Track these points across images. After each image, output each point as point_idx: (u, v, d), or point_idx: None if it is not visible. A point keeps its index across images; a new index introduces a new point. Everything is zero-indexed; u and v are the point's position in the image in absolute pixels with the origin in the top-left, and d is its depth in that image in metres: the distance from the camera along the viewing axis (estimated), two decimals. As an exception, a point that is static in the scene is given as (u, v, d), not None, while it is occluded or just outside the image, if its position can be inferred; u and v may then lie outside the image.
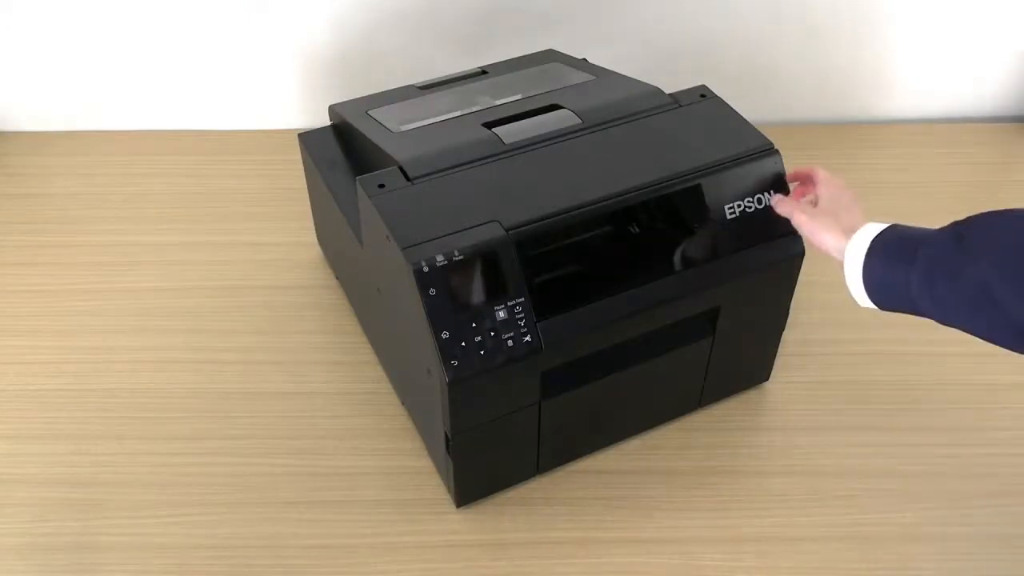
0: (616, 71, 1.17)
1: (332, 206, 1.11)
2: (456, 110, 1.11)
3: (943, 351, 1.19)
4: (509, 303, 0.90)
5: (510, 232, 0.90)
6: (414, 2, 1.42)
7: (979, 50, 1.51)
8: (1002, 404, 1.14)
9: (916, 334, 1.21)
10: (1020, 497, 1.04)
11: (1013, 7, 1.46)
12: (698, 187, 0.96)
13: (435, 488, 1.05)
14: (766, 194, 0.99)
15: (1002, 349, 0.73)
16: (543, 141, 1.01)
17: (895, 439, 1.10)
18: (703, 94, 1.06)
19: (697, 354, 1.05)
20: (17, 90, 1.50)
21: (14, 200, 1.42)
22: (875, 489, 1.05)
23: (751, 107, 1.11)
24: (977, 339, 0.79)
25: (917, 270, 0.79)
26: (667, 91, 1.08)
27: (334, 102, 1.19)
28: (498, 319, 0.89)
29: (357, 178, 0.97)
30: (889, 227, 0.85)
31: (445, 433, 0.95)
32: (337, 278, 1.28)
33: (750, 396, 1.14)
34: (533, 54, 1.26)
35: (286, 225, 1.36)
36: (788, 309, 1.09)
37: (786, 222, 0.97)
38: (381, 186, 0.95)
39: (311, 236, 1.33)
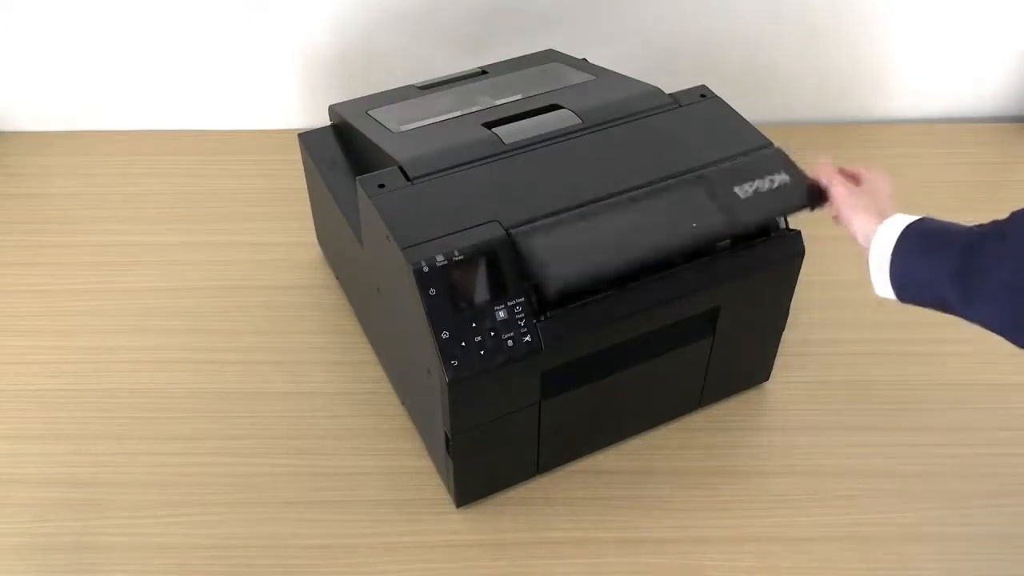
0: (616, 71, 1.17)
1: (332, 206, 1.11)
2: (456, 110, 1.11)
3: (943, 351, 1.19)
4: (509, 303, 0.90)
5: (510, 232, 0.90)
6: (414, 2, 1.42)
7: (979, 50, 1.51)
8: (1002, 404, 1.14)
9: (916, 334, 1.21)
10: (1020, 497, 1.04)
11: (1013, 7, 1.46)
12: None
13: (435, 488, 1.05)
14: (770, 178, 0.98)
15: (1001, 349, 0.74)
16: (543, 141, 1.01)
17: (895, 439, 1.10)
18: (703, 94, 1.06)
19: (697, 354, 1.05)
20: (17, 90, 1.50)
21: (14, 200, 1.42)
22: (875, 489, 1.05)
23: (751, 107, 1.11)
24: (976, 339, 0.79)
25: (951, 262, 0.79)
26: (667, 91, 1.08)
27: (334, 102, 1.19)
28: (498, 319, 0.89)
29: (357, 178, 0.97)
30: (922, 218, 0.85)
31: (445, 433, 0.95)
32: (337, 278, 1.28)
33: (750, 396, 1.14)
34: (533, 54, 1.26)
35: (286, 225, 1.36)
36: (788, 309, 1.09)
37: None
38: (381, 186, 0.95)
39: (311, 236, 1.33)
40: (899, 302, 0.87)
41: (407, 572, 0.98)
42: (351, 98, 1.19)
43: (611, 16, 1.45)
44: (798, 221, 1.03)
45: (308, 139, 1.19)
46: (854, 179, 0.97)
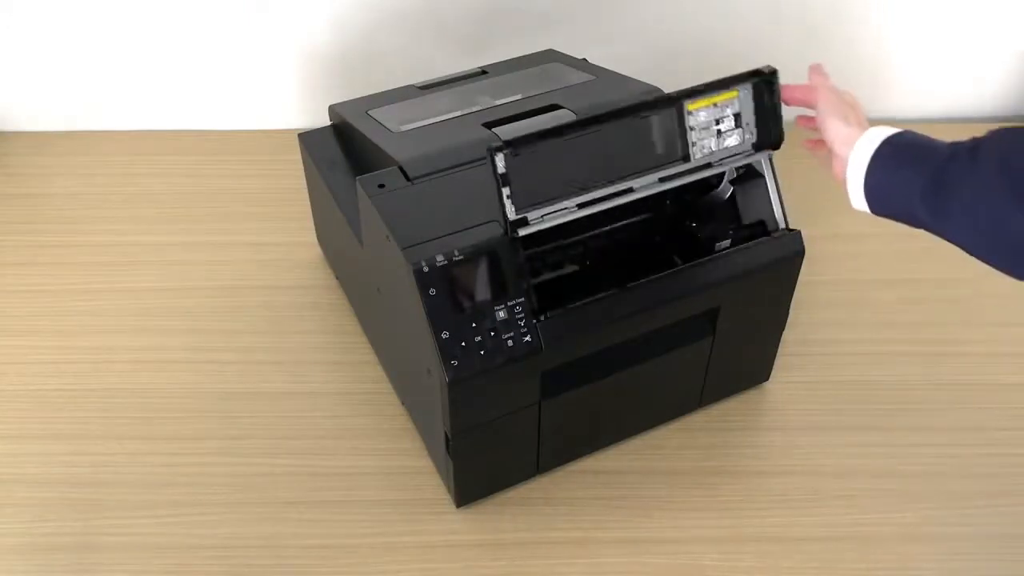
0: (616, 71, 1.17)
1: (332, 206, 1.11)
2: (456, 110, 1.11)
3: (943, 351, 1.19)
4: (509, 303, 0.90)
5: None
6: (414, 2, 1.42)
7: (979, 50, 1.51)
8: (1002, 404, 1.13)
9: (916, 334, 1.21)
10: (1020, 497, 1.04)
11: (1013, 7, 1.46)
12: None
13: (435, 488, 1.05)
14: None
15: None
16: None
17: (895, 439, 1.10)
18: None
19: (697, 354, 1.05)
20: (17, 90, 1.50)
21: (14, 200, 1.42)
22: (875, 489, 1.05)
23: (751, 107, 1.11)
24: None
25: (923, 177, 0.78)
26: (667, 91, 1.08)
27: (334, 102, 1.19)
28: (498, 319, 0.89)
29: (357, 178, 0.97)
30: (903, 131, 0.84)
31: (445, 433, 0.95)
32: (337, 278, 1.28)
33: (750, 396, 1.14)
34: (533, 54, 1.26)
35: (286, 225, 1.36)
36: (788, 309, 1.09)
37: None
38: (381, 186, 0.95)
39: (311, 236, 1.33)
40: (872, 214, 0.86)
41: (407, 572, 0.98)
42: (351, 98, 1.19)
43: (611, 16, 1.45)
44: (798, 221, 1.03)
45: (308, 139, 1.19)
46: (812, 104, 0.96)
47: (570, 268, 1.03)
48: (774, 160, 1.01)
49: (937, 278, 1.29)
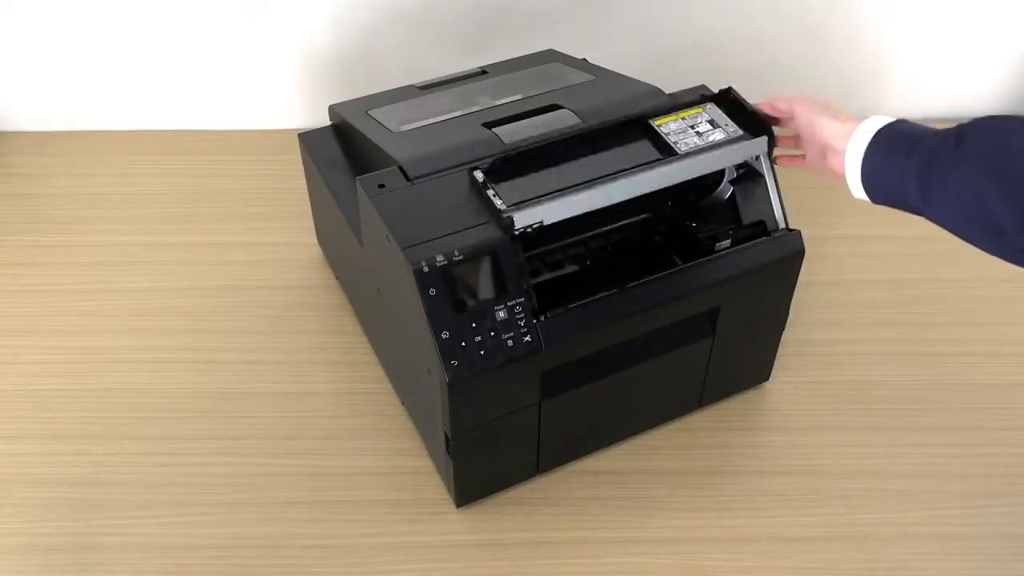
0: (616, 71, 1.17)
1: (332, 206, 1.11)
2: (456, 110, 1.11)
3: (943, 351, 1.19)
4: (509, 303, 0.90)
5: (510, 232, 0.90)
6: (414, 2, 1.42)
7: (979, 50, 1.51)
8: (1002, 404, 1.14)
9: (916, 334, 1.21)
10: (1020, 497, 1.04)
11: (1013, 7, 1.46)
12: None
13: (435, 488, 1.05)
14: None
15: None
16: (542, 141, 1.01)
17: (895, 439, 1.10)
18: (703, 94, 1.06)
19: (697, 354, 1.05)
20: (17, 90, 1.50)
21: (14, 200, 1.42)
22: (875, 489, 1.05)
23: (751, 107, 1.11)
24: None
25: (913, 164, 0.81)
26: (667, 91, 1.08)
27: (334, 102, 1.19)
28: (498, 319, 0.89)
29: (357, 178, 0.97)
30: (896, 120, 0.86)
31: (445, 433, 0.95)
32: (337, 278, 1.28)
33: (750, 396, 1.14)
34: (533, 54, 1.26)
35: (286, 225, 1.36)
36: (788, 309, 1.09)
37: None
38: (381, 186, 0.95)
39: (311, 236, 1.33)
40: (872, 203, 0.88)
41: (407, 572, 0.98)
42: (351, 98, 1.19)
43: (611, 16, 1.45)
44: (798, 221, 1.04)
45: (308, 139, 1.19)
46: (786, 114, 0.98)
47: (570, 268, 1.03)
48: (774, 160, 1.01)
49: (937, 278, 1.29)
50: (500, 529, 1.01)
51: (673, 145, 0.97)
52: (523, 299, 0.90)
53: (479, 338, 0.89)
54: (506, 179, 0.94)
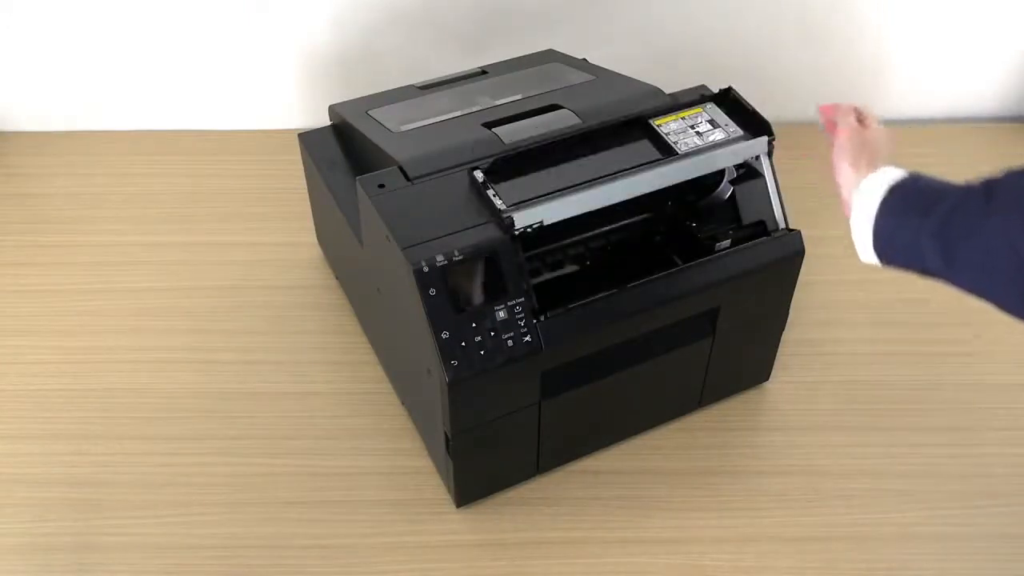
0: (616, 71, 1.17)
1: (332, 206, 1.11)
2: (456, 110, 1.11)
3: (943, 351, 1.19)
4: (509, 303, 0.90)
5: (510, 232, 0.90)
6: (414, 2, 1.42)
7: (979, 50, 1.51)
8: (1002, 404, 1.13)
9: (916, 334, 1.21)
10: (1020, 497, 1.04)
11: (1013, 7, 1.46)
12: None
13: (435, 488, 1.05)
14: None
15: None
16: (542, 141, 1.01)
17: (895, 439, 1.10)
18: (703, 94, 1.06)
19: (697, 354, 1.05)
20: (17, 90, 1.50)
21: (14, 200, 1.42)
22: (875, 489, 1.05)
23: (751, 107, 1.11)
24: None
25: (932, 223, 0.75)
26: (667, 91, 1.08)
27: (334, 102, 1.19)
28: (498, 319, 0.89)
29: (357, 178, 0.97)
30: (911, 174, 0.80)
31: (445, 433, 0.95)
32: (337, 278, 1.28)
33: (750, 396, 1.14)
34: (533, 54, 1.26)
35: (286, 225, 1.36)
36: (788, 309, 1.09)
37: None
38: (381, 186, 0.95)
39: (311, 236, 1.33)
40: (882, 266, 0.82)
41: (407, 572, 0.98)
42: (351, 98, 1.19)
43: (611, 16, 1.45)
44: (798, 221, 1.04)
45: (308, 139, 1.19)
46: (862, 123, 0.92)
47: (570, 268, 1.03)
48: (774, 160, 1.01)
49: (937, 278, 1.29)
50: (500, 529, 1.01)
51: (673, 145, 0.97)
52: (523, 299, 0.90)
53: (479, 338, 0.89)
54: (506, 179, 0.94)
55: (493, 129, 1.02)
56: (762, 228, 1.01)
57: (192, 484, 1.05)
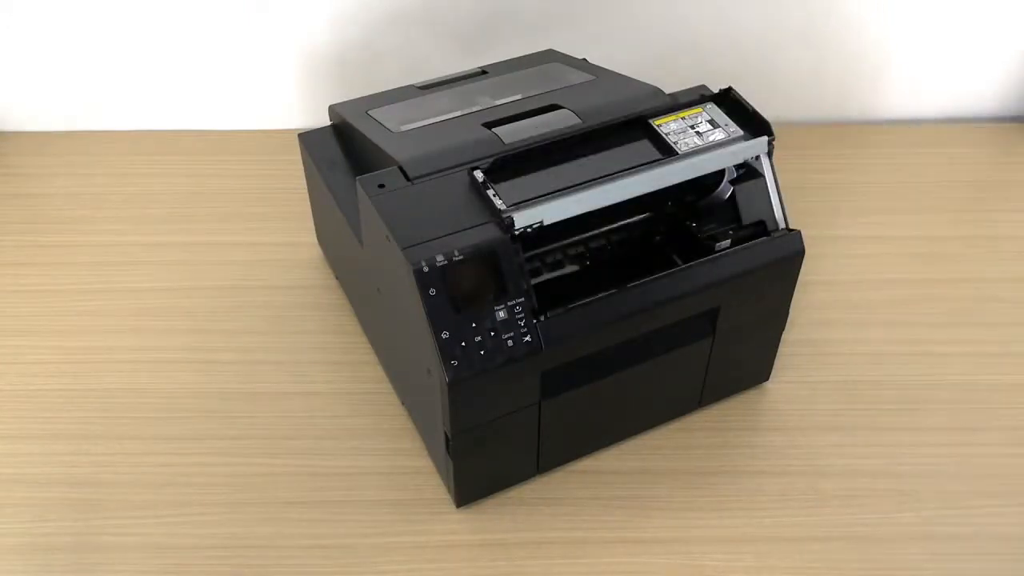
0: (616, 71, 1.17)
1: (332, 206, 1.11)
2: (456, 110, 1.11)
3: (943, 351, 1.19)
4: (509, 303, 0.90)
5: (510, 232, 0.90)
6: (414, 2, 1.42)
7: (979, 50, 1.51)
8: (1002, 404, 1.14)
9: (916, 334, 1.21)
10: (1020, 497, 1.04)
11: (1013, 7, 1.47)
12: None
13: (435, 488, 1.05)
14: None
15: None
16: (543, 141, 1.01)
17: (895, 439, 1.10)
18: (703, 94, 1.06)
19: (697, 354, 1.05)
20: (17, 90, 1.50)
21: (14, 200, 1.42)
22: (875, 489, 1.05)
23: (751, 107, 1.11)
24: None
25: None
26: (667, 91, 1.08)
27: (334, 102, 1.19)
28: (498, 319, 0.89)
29: (357, 178, 0.97)
30: None
31: (445, 433, 0.95)
32: (337, 278, 1.28)
33: (750, 396, 1.15)
34: (533, 54, 1.26)
35: (286, 225, 1.36)
36: (788, 309, 1.09)
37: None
38: (381, 186, 0.95)
39: (311, 236, 1.33)
40: None
41: (407, 572, 0.98)
42: (351, 98, 1.19)
43: (611, 16, 1.45)
44: (798, 221, 1.04)
45: (308, 139, 1.19)
46: None
47: (570, 268, 1.03)
48: (774, 160, 1.01)
49: (937, 278, 1.29)
50: (500, 529, 1.01)
51: (673, 145, 0.97)
52: (523, 299, 0.90)
53: (479, 338, 0.89)
54: (506, 179, 0.94)
55: (493, 129, 1.02)
56: (762, 228, 1.01)
57: (192, 484, 1.05)
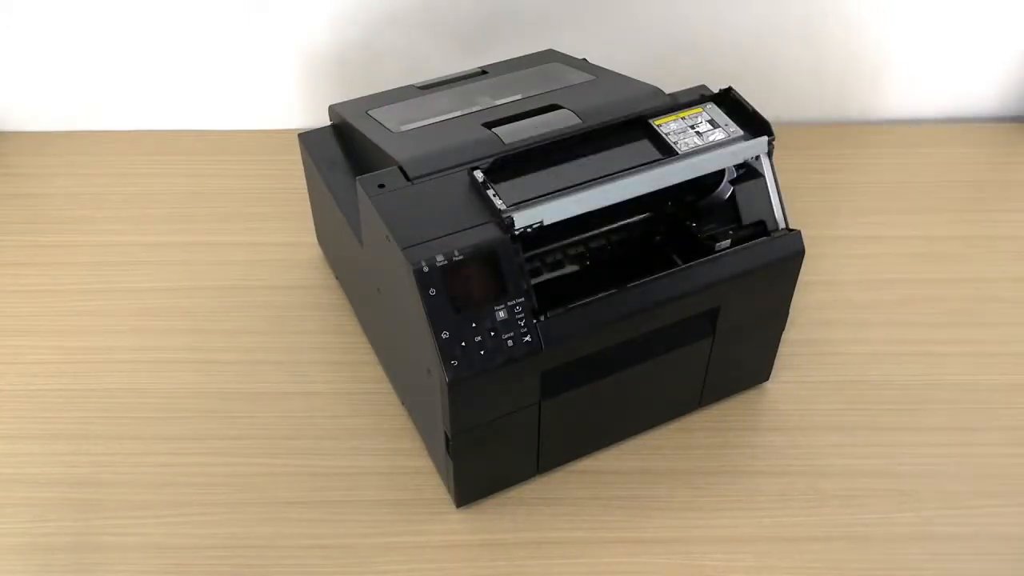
0: (616, 71, 1.17)
1: (332, 206, 1.11)
2: (456, 110, 1.11)
3: (943, 351, 1.19)
4: (509, 303, 0.90)
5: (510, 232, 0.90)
6: (414, 2, 1.42)
7: (979, 50, 1.51)
8: (1002, 404, 1.14)
9: (916, 334, 1.21)
10: (1020, 497, 1.04)
11: (1013, 7, 1.47)
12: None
13: (435, 488, 1.05)
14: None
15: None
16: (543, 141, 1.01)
17: (895, 439, 1.10)
18: (703, 94, 1.06)
19: (697, 354, 1.05)
20: (17, 90, 1.50)
21: (14, 200, 1.42)
22: (875, 489, 1.05)
23: (751, 107, 1.11)
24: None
25: None
26: (667, 91, 1.08)
27: (334, 102, 1.19)
28: (498, 319, 0.89)
29: (357, 178, 0.97)
30: None
31: (445, 433, 0.95)
32: (337, 278, 1.28)
33: (750, 396, 1.15)
34: (533, 54, 1.27)
35: (286, 225, 1.36)
36: (788, 309, 1.09)
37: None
38: (381, 186, 0.95)
39: (311, 236, 1.33)
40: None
41: (407, 572, 0.98)
42: (351, 98, 1.19)
43: (611, 16, 1.45)
44: (798, 221, 1.04)
45: (308, 139, 1.19)
46: None
47: (570, 268, 1.03)
48: (774, 160, 1.01)
49: (937, 278, 1.29)
50: (500, 529, 1.01)
51: (673, 145, 0.97)
52: (523, 299, 0.90)
53: (479, 338, 0.89)
54: (506, 179, 0.94)
55: (493, 129, 1.02)
56: (762, 228, 1.01)
57: (192, 484, 1.05)
